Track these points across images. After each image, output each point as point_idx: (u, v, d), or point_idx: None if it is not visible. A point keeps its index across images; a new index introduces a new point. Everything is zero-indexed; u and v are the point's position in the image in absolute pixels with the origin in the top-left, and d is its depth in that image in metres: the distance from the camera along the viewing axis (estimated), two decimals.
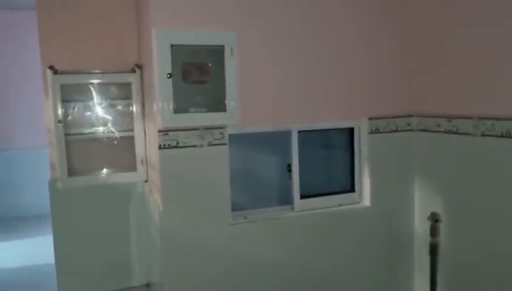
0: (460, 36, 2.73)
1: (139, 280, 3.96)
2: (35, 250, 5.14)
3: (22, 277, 4.36)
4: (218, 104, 2.64)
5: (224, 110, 2.64)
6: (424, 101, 3.04)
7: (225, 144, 2.70)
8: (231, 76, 2.63)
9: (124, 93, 3.63)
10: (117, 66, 3.60)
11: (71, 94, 3.53)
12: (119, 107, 3.68)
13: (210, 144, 2.66)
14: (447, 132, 2.86)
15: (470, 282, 2.76)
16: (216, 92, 2.64)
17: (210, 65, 2.62)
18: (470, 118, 2.67)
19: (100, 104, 3.64)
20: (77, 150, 3.56)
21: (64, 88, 3.43)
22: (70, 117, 3.53)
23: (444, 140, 2.87)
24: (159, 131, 2.56)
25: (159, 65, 2.49)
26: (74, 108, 3.57)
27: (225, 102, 2.64)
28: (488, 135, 2.56)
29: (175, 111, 2.55)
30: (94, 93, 3.61)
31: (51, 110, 3.47)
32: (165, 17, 2.54)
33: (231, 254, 2.75)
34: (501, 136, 2.48)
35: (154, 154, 2.80)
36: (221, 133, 2.68)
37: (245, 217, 2.84)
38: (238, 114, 2.67)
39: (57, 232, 3.71)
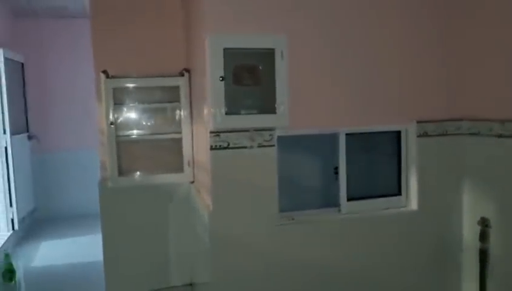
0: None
1: (182, 279, 4.05)
2: (82, 248, 5.33)
3: (71, 274, 4.53)
4: (268, 106, 2.69)
5: (274, 112, 2.69)
6: (475, 104, 3.00)
7: (274, 146, 2.74)
8: (281, 78, 2.68)
9: (173, 96, 3.75)
10: (165, 70, 3.73)
11: (121, 98, 3.67)
12: (168, 110, 3.80)
13: (259, 145, 2.72)
14: (499, 136, 2.81)
15: None
16: (266, 94, 2.69)
17: (260, 68, 2.68)
18: None
19: (149, 107, 3.76)
20: (126, 151, 3.69)
21: (115, 91, 3.57)
22: (120, 120, 3.67)
23: (496, 144, 2.83)
24: (211, 132, 2.63)
25: (212, 68, 2.57)
26: (124, 110, 3.71)
27: (275, 105, 2.69)
28: None
29: (227, 113, 2.62)
30: (143, 96, 3.74)
31: (103, 112, 3.62)
32: (218, 22, 2.62)
33: (278, 254, 2.79)
34: None
35: (204, 155, 2.88)
36: (270, 135, 2.73)
37: (292, 219, 2.87)
38: (287, 117, 2.71)
39: (106, 230, 3.85)
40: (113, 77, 3.56)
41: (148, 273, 3.97)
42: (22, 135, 6.09)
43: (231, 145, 2.67)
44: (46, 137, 6.71)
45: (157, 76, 3.65)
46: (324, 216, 2.95)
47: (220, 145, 2.66)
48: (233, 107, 2.64)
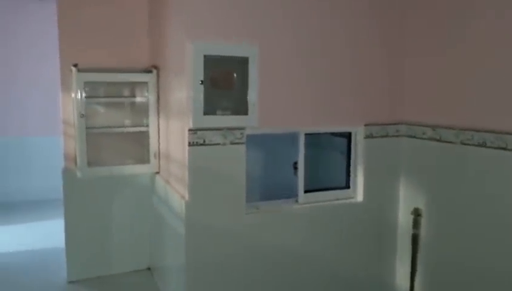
0: (444, 54, 3.20)
1: (142, 264, 4.28)
2: (37, 235, 5.33)
3: (26, 261, 4.55)
4: (240, 108, 3.01)
5: (246, 113, 3.01)
6: (412, 111, 3.50)
7: (244, 143, 3.07)
8: (253, 83, 3.00)
9: (140, 91, 3.93)
10: (131, 64, 3.92)
11: (90, 90, 3.79)
12: (135, 104, 3.98)
13: (231, 143, 3.03)
14: (431, 139, 3.33)
15: (447, 270, 3.25)
16: (239, 97, 3.00)
17: (234, 73, 2.98)
18: (452, 129, 3.14)
19: (117, 101, 3.93)
20: (94, 142, 3.81)
21: (85, 84, 3.69)
22: (89, 112, 3.79)
23: (428, 146, 3.34)
24: (190, 130, 2.91)
25: (193, 72, 2.83)
26: (93, 103, 3.84)
27: (247, 106, 3.00)
28: (467, 144, 3.04)
29: (204, 113, 2.90)
30: (111, 90, 3.89)
31: (71, 104, 3.74)
32: (199, 30, 2.89)
33: (246, 240, 3.14)
34: (479, 145, 2.96)
35: (179, 149, 3.13)
36: (241, 133, 3.05)
37: (257, 208, 3.22)
38: (257, 117, 3.04)
39: (68, 218, 3.98)
40: (81, 70, 3.66)
41: (108, 259, 4.15)
42: None
43: (206, 142, 2.96)
44: (4, 121, 6.55)
45: (127, 71, 3.81)
46: (284, 206, 3.34)
47: (197, 142, 2.94)
48: (209, 108, 2.92)
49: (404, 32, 3.50)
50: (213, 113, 2.94)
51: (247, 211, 3.14)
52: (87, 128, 3.71)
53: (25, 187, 6.70)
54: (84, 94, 3.65)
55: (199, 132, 2.93)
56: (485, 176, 2.93)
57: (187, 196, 2.98)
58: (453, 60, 3.14)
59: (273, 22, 3.09)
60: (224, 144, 3.01)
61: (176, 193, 3.24)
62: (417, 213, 3.42)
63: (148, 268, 4.30)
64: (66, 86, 3.82)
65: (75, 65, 3.62)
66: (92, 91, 3.83)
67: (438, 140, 3.27)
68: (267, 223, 3.21)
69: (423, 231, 3.41)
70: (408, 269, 3.52)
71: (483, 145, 2.93)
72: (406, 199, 3.58)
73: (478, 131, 2.95)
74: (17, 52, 6.58)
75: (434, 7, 3.28)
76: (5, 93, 6.61)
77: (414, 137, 3.48)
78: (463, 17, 3.06)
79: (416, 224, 3.43)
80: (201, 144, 2.95)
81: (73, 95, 3.68)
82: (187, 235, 2.98)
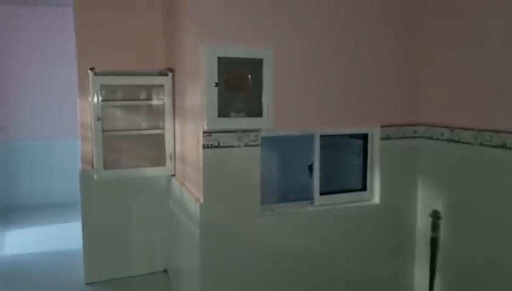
0: (462, 53, 3.14)
1: (158, 266, 4.31)
2: (51, 237, 5.41)
3: (44, 263, 4.62)
4: (255, 110, 2.99)
5: (260, 115, 2.99)
6: (430, 112, 3.44)
7: (258, 145, 3.06)
8: (267, 85, 2.98)
9: (156, 94, 3.96)
10: (147, 67, 3.95)
11: (107, 94, 3.83)
12: (151, 107, 4.01)
13: (246, 145, 3.02)
14: (449, 140, 3.27)
15: (467, 274, 3.18)
16: (253, 99, 2.99)
17: (249, 75, 2.98)
18: (471, 129, 3.08)
19: (133, 103, 3.96)
20: (111, 145, 3.85)
21: (101, 87, 3.73)
22: (105, 115, 3.83)
23: (446, 147, 3.28)
24: (204, 132, 2.91)
25: (208, 75, 2.84)
26: (109, 106, 3.88)
27: (262, 109, 2.99)
28: (486, 145, 2.97)
29: (218, 116, 2.90)
30: (127, 93, 3.93)
31: (89, 107, 3.78)
32: (213, 33, 2.89)
33: (260, 242, 3.12)
34: (498, 147, 2.89)
35: (194, 152, 3.14)
36: (255, 135, 3.04)
37: (272, 210, 3.20)
38: (272, 119, 3.03)
39: (85, 219, 4.03)
40: (97, 74, 3.70)
41: (125, 260, 4.19)
42: None
43: (221, 144, 2.96)
44: (13, 126, 6.65)
45: (143, 74, 3.83)
46: (299, 208, 3.31)
47: (212, 144, 2.94)
48: (224, 110, 2.92)
49: (422, 31, 3.45)
50: (228, 115, 2.94)
51: (262, 214, 3.12)
52: (103, 131, 3.75)
53: (44, 189, 6.79)
54: (100, 98, 3.69)
55: (213, 134, 2.93)
56: (505, 178, 2.86)
57: (201, 198, 2.98)
58: (471, 59, 3.08)
59: (288, 23, 3.08)
60: (238, 146, 3.00)
61: (191, 195, 3.25)
62: (435, 216, 3.36)
63: (165, 270, 4.32)
64: (83, 90, 3.88)
65: (92, 69, 3.66)
66: (108, 94, 3.87)
67: (456, 142, 3.21)
68: (282, 225, 3.19)
69: (441, 234, 3.34)
70: (427, 273, 3.45)
71: (502, 146, 2.86)
72: (424, 202, 3.52)
73: (497, 132, 2.89)
74: (36, 57, 6.69)
75: (452, 5, 3.22)
76: (24, 97, 6.73)
77: (431, 138, 3.43)
78: (483, 16, 3.00)
79: (435, 227, 3.36)
80: (216, 146, 2.95)
81: (89, 98, 3.72)
82: (201, 237, 2.98)
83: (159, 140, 3.94)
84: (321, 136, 3.31)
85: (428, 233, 3.40)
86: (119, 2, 3.94)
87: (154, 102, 4.00)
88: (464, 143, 3.14)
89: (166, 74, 3.84)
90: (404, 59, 3.45)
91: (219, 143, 2.96)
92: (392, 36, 3.39)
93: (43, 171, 6.79)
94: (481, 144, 3.01)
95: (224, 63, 2.87)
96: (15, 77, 6.61)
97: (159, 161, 3.96)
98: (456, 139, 3.21)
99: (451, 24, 3.24)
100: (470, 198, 3.11)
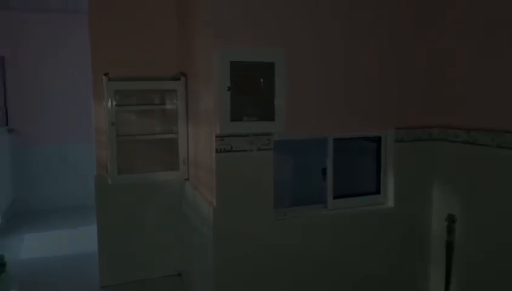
0: (477, 53, 3.10)
1: (172, 269, 4.32)
2: (68, 240, 5.47)
3: (62, 266, 4.67)
4: (267, 114, 2.99)
5: (273, 119, 2.99)
6: (444, 114, 3.40)
7: (271, 149, 3.05)
8: (279, 88, 2.98)
9: (169, 98, 3.99)
10: (159, 72, 3.98)
11: (120, 99, 3.87)
12: (164, 111, 4.03)
13: (258, 149, 3.02)
14: (465, 142, 3.22)
15: (481, 276, 3.13)
16: (265, 103, 2.98)
17: (261, 79, 2.98)
18: (488, 131, 3.03)
19: (146, 108, 3.99)
20: (125, 149, 3.89)
21: (115, 93, 3.77)
22: (119, 120, 3.87)
23: (462, 149, 3.24)
24: (217, 136, 2.92)
25: (220, 79, 2.84)
26: (123, 111, 3.92)
27: (274, 112, 2.99)
28: (503, 147, 2.93)
29: (231, 120, 2.90)
30: (141, 98, 3.96)
31: (103, 112, 3.82)
32: (225, 37, 2.89)
33: (273, 246, 3.11)
34: None
35: (207, 156, 3.15)
36: (268, 139, 3.03)
37: (285, 214, 3.19)
38: (284, 123, 3.03)
39: (101, 223, 4.07)
40: (111, 79, 3.74)
41: (140, 264, 4.21)
42: (1, 128, 6.16)
43: (234, 149, 2.96)
44: (29, 131, 6.73)
45: (153, 79, 3.86)
46: (313, 212, 3.30)
47: (224, 148, 2.94)
48: (236, 114, 2.92)
49: (439, 34, 3.41)
50: (240, 119, 2.94)
51: (275, 217, 3.12)
52: (117, 135, 3.79)
53: (60, 193, 6.86)
54: (114, 103, 3.73)
55: (226, 138, 2.94)
56: None
57: (214, 202, 2.99)
58: (487, 59, 3.04)
59: (300, 26, 3.07)
60: (251, 150, 3.00)
61: (204, 199, 3.25)
62: (451, 219, 3.30)
63: (179, 274, 4.33)
64: (98, 95, 3.92)
65: (106, 74, 3.70)
66: (122, 99, 3.90)
67: (472, 143, 3.16)
68: (295, 229, 3.18)
69: (457, 238, 3.29)
70: (442, 276, 3.40)
71: None
72: (440, 205, 3.48)
73: None
74: (51, 62, 6.76)
75: (472, 9, 3.18)
76: (41, 102, 6.81)
77: (447, 140, 3.38)
78: (501, 19, 2.96)
79: (450, 231, 3.31)
80: (228, 151, 2.95)
81: (104, 103, 3.76)
82: (215, 241, 2.98)
83: (173, 144, 3.96)
84: (334, 139, 3.29)
85: (444, 236, 3.35)
86: (132, 7, 3.98)
87: (168, 106, 4.03)
88: (480, 145, 3.09)
89: (179, 79, 3.86)
90: (419, 61, 3.41)
91: (231, 148, 2.96)
92: (408, 37, 3.36)
93: (59, 175, 6.86)
94: (499, 146, 2.96)
95: (236, 67, 2.88)
96: (31, 82, 6.70)
97: (173, 165, 3.97)
98: (471, 141, 3.17)
99: (470, 27, 3.20)
100: (486, 201, 3.06)
